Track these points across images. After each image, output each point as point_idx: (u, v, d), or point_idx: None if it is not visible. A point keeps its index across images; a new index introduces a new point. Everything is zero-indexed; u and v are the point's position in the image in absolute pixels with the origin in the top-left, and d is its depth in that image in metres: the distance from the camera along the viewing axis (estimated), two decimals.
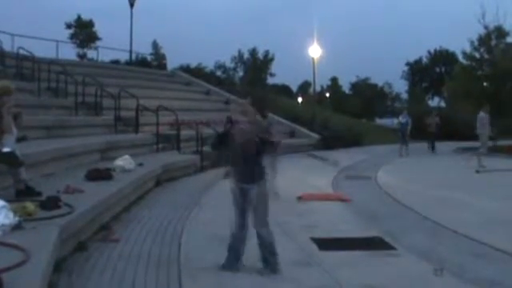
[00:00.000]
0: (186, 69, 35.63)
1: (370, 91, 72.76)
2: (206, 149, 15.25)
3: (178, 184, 11.96)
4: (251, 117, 5.50)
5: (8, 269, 3.62)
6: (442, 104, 54.52)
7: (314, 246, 6.33)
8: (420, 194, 10.99)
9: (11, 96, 6.65)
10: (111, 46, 44.54)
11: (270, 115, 14.27)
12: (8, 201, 5.20)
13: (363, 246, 6.36)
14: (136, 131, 14.89)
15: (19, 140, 6.99)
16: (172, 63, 38.85)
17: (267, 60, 65.98)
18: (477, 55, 30.39)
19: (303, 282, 4.98)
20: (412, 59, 70.65)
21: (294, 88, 74.35)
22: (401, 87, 73.30)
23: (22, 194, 6.33)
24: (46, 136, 11.09)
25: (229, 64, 64.04)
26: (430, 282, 5.06)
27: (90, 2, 79.77)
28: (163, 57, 41.41)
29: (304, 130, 25.28)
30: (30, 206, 5.49)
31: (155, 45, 42.70)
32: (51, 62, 16.94)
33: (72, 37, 40.81)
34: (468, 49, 30.99)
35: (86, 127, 13.44)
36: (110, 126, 14.46)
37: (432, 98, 65.63)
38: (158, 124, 15.05)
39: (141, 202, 9.28)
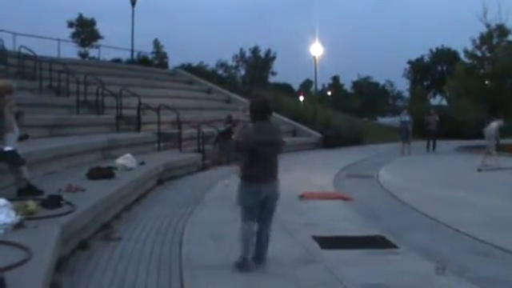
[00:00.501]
0: (188, 67, 35.53)
1: (372, 89, 72.57)
2: (208, 147, 15.30)
3: (179, 182, 11.97)
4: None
5: (10, 267, 3.62)
6: (444, 102, 54.46)
7: (316, 245, 6.32)
8: (422, 192, 10.99)
9: (13, 94, 6.65)
10: (113, 45, 44.63)
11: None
12: (10, 199, 5.19)
13: (365, 245, 6.36)
14: (138, 130, 14.89)
15: (21, 138, 6.99)
16: (174, 62, 38.73)
17: (269, 59, 65.83)
18: (478, 53, 30.40)
19: (305, 280, 4.97)
20: (414, 58, 70.51)
21: (296, 87, 74.23)
22: (402, 86, 73.12)
23: (24, 192, 6.32)
24: (47, 135, 11.09)
25: (230, 63, 63.97)
26: (431, 280, 5.05)
27: (91, 1, 79.52)
28: (165, 55, 41.20)
29: (305, 129, 25.28)
30: (32, 204, 5.48)
31: (157, 43, 42.45)
32: (53, 60, 16.94)
33: (74, 35, 40.71)
34: (470, 47, 31.02)
35: (88, 126, 13.42)
36: (111, 125, 14.45)
37: (434, 97, 65.51)
38: (159, 122, 15.06)
39: (142, 201, 9.29)
